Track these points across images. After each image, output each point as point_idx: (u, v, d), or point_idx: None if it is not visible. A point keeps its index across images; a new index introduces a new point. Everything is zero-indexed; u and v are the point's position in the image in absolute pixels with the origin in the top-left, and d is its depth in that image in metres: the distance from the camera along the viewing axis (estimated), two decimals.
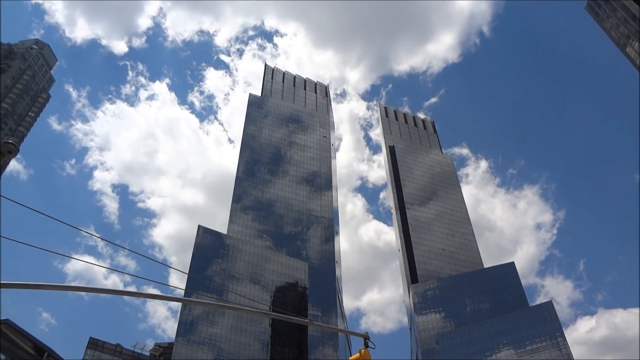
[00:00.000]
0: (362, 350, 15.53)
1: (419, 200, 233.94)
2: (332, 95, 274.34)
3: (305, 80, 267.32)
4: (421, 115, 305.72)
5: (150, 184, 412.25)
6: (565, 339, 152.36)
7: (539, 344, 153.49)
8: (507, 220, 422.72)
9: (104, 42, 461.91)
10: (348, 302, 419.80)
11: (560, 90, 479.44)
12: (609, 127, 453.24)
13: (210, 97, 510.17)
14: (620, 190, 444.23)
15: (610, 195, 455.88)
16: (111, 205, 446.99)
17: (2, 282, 12.92)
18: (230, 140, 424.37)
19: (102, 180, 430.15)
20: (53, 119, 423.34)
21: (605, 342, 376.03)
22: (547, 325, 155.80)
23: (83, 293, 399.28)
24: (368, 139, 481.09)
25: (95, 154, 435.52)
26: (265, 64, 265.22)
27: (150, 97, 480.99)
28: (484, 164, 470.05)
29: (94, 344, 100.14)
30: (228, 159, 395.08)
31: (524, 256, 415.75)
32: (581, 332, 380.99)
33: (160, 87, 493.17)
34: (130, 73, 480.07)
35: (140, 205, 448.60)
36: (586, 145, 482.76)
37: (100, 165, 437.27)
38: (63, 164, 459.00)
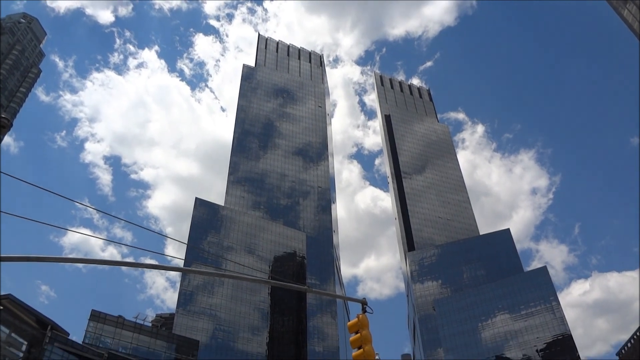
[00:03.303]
0: (360, 316, 15.84)
1: (414, 168, 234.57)
2: (325, 62, 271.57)
3: (299, 50, 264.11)
4: (416, 82, 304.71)
5: (143, 155, 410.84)
6: (559, 303, 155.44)
7: (533, 308, 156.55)
8: (503, 185, 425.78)
9: (88, 11, 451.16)
10: (345, 270, 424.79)
11: (557, 53, 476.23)
12: (606, 91, 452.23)
13: (201, 64, 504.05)
14: (617, 154, 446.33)
15: (607, 159, 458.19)
16: (104, 177, 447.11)
17: (3, 255, 13.04)
18: (223, 109, 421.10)
19: (93, 152, 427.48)
20: (40, 90, 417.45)
21: (599, 304, 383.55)
22: (541, 290, 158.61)
23: (81, 265, 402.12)
24: (363, 105, 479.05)
25: (85, 125, 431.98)
26: (259, 34, 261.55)
27: (140, 65, 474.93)
28: (480, 129, 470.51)
29: (96, 317, 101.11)
30: (221, 128, 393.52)
31: (520, 221, 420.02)
32: (575, 295, 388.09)
33: (149, 55, 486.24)
34: (117, 41, 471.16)
35: (133, 176, 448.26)
36: (583, 110, 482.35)
37: (91, 137, 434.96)
38: (53, 136, 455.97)
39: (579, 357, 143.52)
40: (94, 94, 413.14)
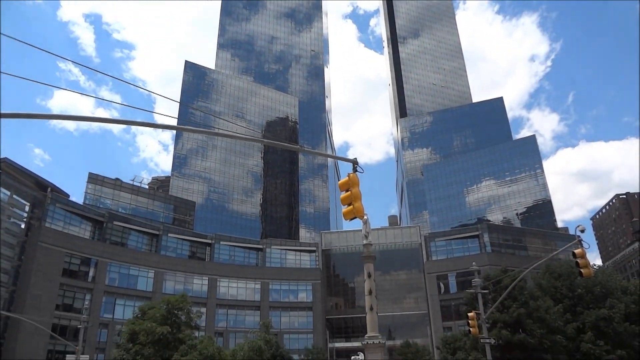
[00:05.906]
0: (351, 174, 16.32)
1: (411, 32, 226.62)
2: None
3: None
4: None
5: (125, 13, 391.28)
6: (543, 171, 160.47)
7: (518, 175, 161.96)
8: (502, 51, 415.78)
9: None
10: (336, 134, 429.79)
11: None
12: None
13: None
14: (621, 23, 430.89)
15: (611, 26, 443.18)
16: (85, 36, 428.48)
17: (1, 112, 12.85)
18: None
19: (71, 9, 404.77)
20: None
21: (581, 172, 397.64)
22: (527, 157, 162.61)
23: (72, 128, 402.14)
24: None
25: None
26: None
27: None
28: None
29: (94, 179, 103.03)
30: None
31: (514, 88, 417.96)
32: (560, 163, 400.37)
33: None
34: None
35: (116, 36, 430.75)
36: None
37: None
38: None
39: (555, 221, 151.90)
40: None
